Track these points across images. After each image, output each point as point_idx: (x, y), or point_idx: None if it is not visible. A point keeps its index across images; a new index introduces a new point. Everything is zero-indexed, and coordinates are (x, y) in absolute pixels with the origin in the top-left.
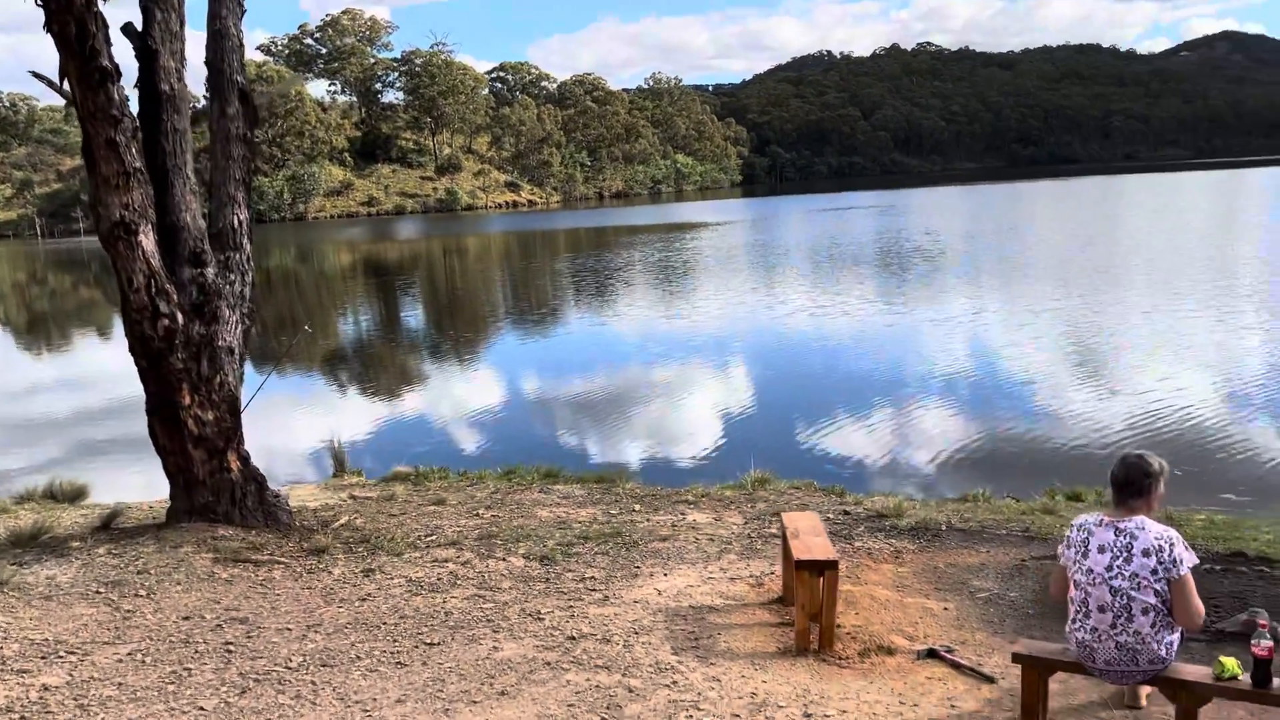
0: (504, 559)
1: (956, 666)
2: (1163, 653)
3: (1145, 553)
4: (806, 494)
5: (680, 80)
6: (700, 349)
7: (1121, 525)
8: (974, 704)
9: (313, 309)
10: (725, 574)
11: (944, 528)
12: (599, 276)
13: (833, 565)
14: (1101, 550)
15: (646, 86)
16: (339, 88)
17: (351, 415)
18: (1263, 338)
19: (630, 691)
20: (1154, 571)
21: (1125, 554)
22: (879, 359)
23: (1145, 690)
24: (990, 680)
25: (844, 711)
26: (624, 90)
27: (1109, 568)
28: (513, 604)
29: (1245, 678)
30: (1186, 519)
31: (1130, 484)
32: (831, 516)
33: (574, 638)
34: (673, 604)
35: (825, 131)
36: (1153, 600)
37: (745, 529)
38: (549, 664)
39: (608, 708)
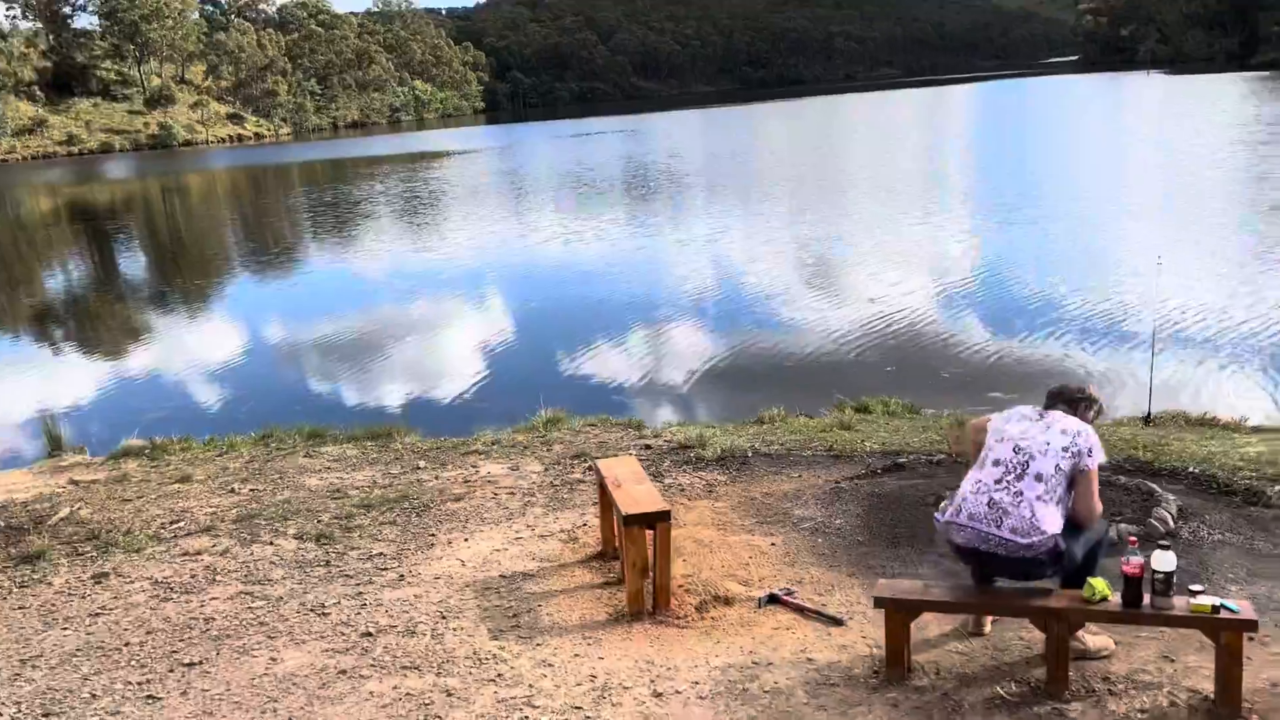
0: (271, 543)
1: (801, 611)
2: (1029, 526)
3: (1063, 431)
4: (604, 430)
5: (411, 3)
6: (457, 283)
7: (1045, 414)
8: (830, 653)
9: (10, 262)
10: (534, 531)
11: (750, 454)
12: (339, 211)
13: (665, 516)
14: (1021, 419)
15: (376, 9)
16: (18, 12)
17: (67, 382)
18: (982, 240)
19: (449, 695)
20: (1065, 448)
21: (1043, 429)
22: (640, 283)
23: (989, 619)
24: (839, 623)
25: (695, 683)
26: (351, 14)
27: (1023, 434)
28: (289, 599)
29: (1116, 598)
30: (963, 421)
31: (1063, 393)
32: (634, 453)
33: (370, 633)
34: (481, 575)
35: (565, 56)
36: (1050, 470)
37: (546, 477)
38: (344, 672)
39: None
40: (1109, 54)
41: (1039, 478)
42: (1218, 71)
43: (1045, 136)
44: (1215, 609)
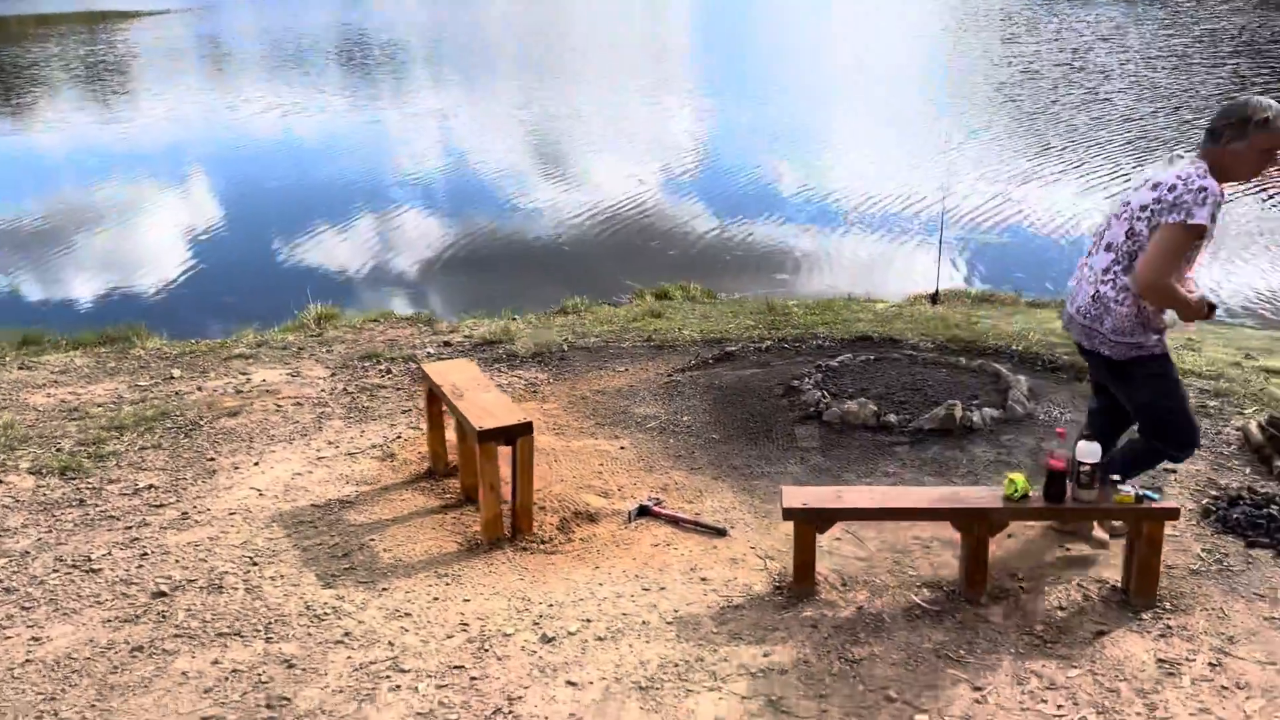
0: (1, 481)
1: (677, 523)
2: (1088, 307)
3: (1155, 185)
4: (390, 327)
5: None
6: (160, 160)
7: (1173, 164)
8: (722, 569)
9: None
10: (338, 450)
11: (566, 348)
12: (3, 77)
13: (527, 430)
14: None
15: None
16: None
17: None
18: (730, 119)
19: (290, 667)
20: (1145, 206)
21: (1138, 185)
22: (375, 162)
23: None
24: (722, 533)
25: (587, 621)
26: None
27: (1125, 202)
28: (39, 554)
29: (1037, 493)
30: (774, 305)
31: (1209, 128)
32: (433, 352)
33: (163, 593)
34: (287, 507)
35: None
36: (1120, 237)
37: (336, 383)
38: (140, 648)
39: (268, 706)
40: None
41: (1109, 247)
42: None
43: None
44: (1138, 499)
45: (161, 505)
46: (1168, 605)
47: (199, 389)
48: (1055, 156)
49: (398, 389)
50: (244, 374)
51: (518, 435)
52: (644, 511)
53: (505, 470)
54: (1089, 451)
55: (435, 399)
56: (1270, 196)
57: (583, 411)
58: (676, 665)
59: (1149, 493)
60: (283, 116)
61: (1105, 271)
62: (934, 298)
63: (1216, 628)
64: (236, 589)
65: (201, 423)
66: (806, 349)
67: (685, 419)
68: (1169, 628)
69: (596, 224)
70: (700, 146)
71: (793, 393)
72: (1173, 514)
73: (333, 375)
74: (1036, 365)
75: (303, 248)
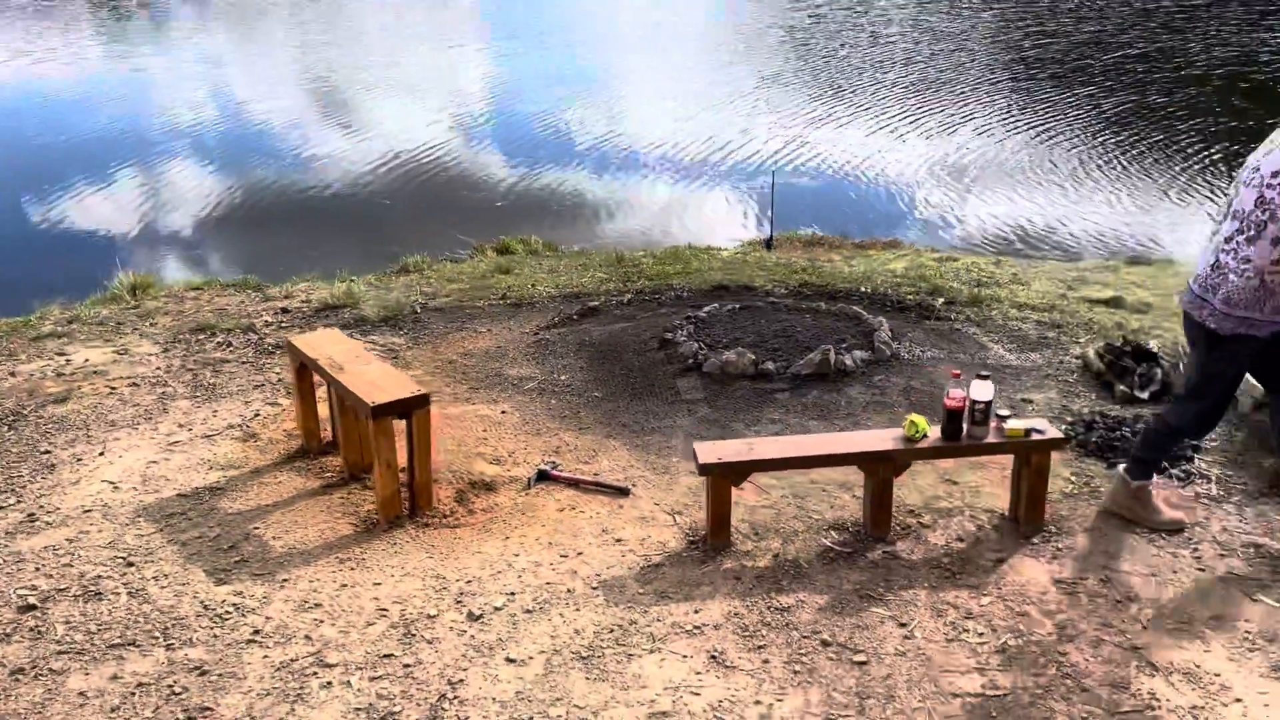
0: None
1: (577, 485)
2: (1203, 278)
3: None
4: (217, 295)
5: None
6: None
7: None
8: (635, 528)
9: None
10: (192, 432)
11: (418, 310)
12: None
13: (423, 402)
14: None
15: None
16: None
17: None
18: (521, 67)
19: (203, 674)
20: (1277, 173)
21: (1265, 147)
22: (141, 112)
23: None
24: (625, 493)
25: (511, 594)
26: None
27: (1254, 167)
28: None
29: (935, 432)
30: (623, 257)
31: None
32: (271, 320)
33: (33, 605)
34: (150, 499)
35: None
36: (1249, 204)
37: (172, 360)
38: (22, 670)
39: (189, 718)
40: None
41: (1236, 215)
42: None
43: None
44: (1027, 432)
45: (2, 508)
46: (1052, 529)
47: (11, 374)
48: (847, 100)
49: (243, 363)
50: (62, 355)
51: (414, 409)
52: (543, 476)
53: (399, 445)
54: (984, 390)
55: (306, 373)
56: (1049, 130)
57: (453, 376)
58: (611, 631)
59: (1035, 424)
60: (33, 64)
61: (1228, 241)
62: (768, 243)
63: (1099, 546)
64: (118, 594)
65: (25, 412)
66: (667, 300)
67: (563, 378)
68: (1059, 550)
69: (411, 176)
70: (505, 94)
71: (668, 345)
72: (1059, 444)
73: (165, 351)
74: (886, 306)
75: (88, 211)
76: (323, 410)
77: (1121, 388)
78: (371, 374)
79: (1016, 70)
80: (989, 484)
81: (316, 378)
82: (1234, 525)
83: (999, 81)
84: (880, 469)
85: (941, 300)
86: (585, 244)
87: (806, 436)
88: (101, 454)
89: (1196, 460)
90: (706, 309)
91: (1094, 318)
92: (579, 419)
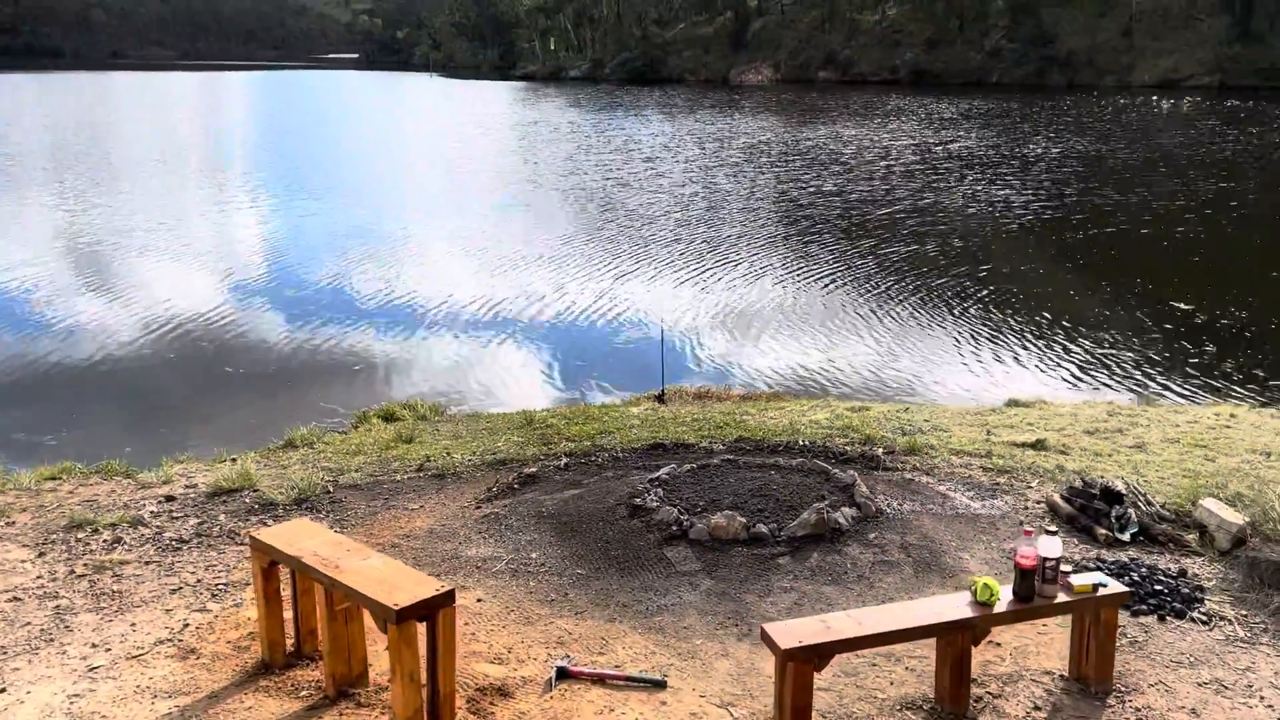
0: None
1: (604, 681)
2: None
3: None
4: (80, 484)
5: None
6: None
7: None
8: None
9: None
10: (113, 653)
11: (331, 489)
12: None
13: (449, 599)
14: None
15: None
16: None
17: None
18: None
19: None
20: None
21: None
22: None
23: None
24: (661, 685)
25: None
26: None
27: None
28: None
29: (1006, 592)
30: (532, 418)
31: None
32: (158, 510)
33: None
34: None
35: None
36: None
37: (53, 564)
38: None
39: None
40: (387, 54)
41: None
42: (485, 79)
43: (371, 127)
44: (1095, 587)
45: None
46: (1120, 687)
47: None
48: (651, 256)
49: (147, 563)
50: None
51: (439, 608)
52: (563, 674)
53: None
54: (1053, 547)
55: (274, 574)
56: (843, 279)
57: (403, 562)
58: None
59: (1102, 579)
60: None
61: None
62: (660, 397)
63: (1175, 703)
64: None
65: None
66: (605, 463)
67: (534, 555)
68: (1140, 711)
69: (213, 347)
70: (293, 255)
71: (641, 512)
72: (1125, 598)
73: (41, 555)
74: (829, 457)
75: None
76: (289, 614)
77: (1103, 531)
78: (378, 570)
79: (803, 225)
80: (1031, 643)
81: (284, 578)
82: None
83: (789, 237)
84: (959, 639)
85: (881, 450)
86: (459, 406)
87: (878, 610)
88: (2, 690)
89: (1207, 602)
90: (664, 470)
91: (1036, 461)
92: (570, 602)
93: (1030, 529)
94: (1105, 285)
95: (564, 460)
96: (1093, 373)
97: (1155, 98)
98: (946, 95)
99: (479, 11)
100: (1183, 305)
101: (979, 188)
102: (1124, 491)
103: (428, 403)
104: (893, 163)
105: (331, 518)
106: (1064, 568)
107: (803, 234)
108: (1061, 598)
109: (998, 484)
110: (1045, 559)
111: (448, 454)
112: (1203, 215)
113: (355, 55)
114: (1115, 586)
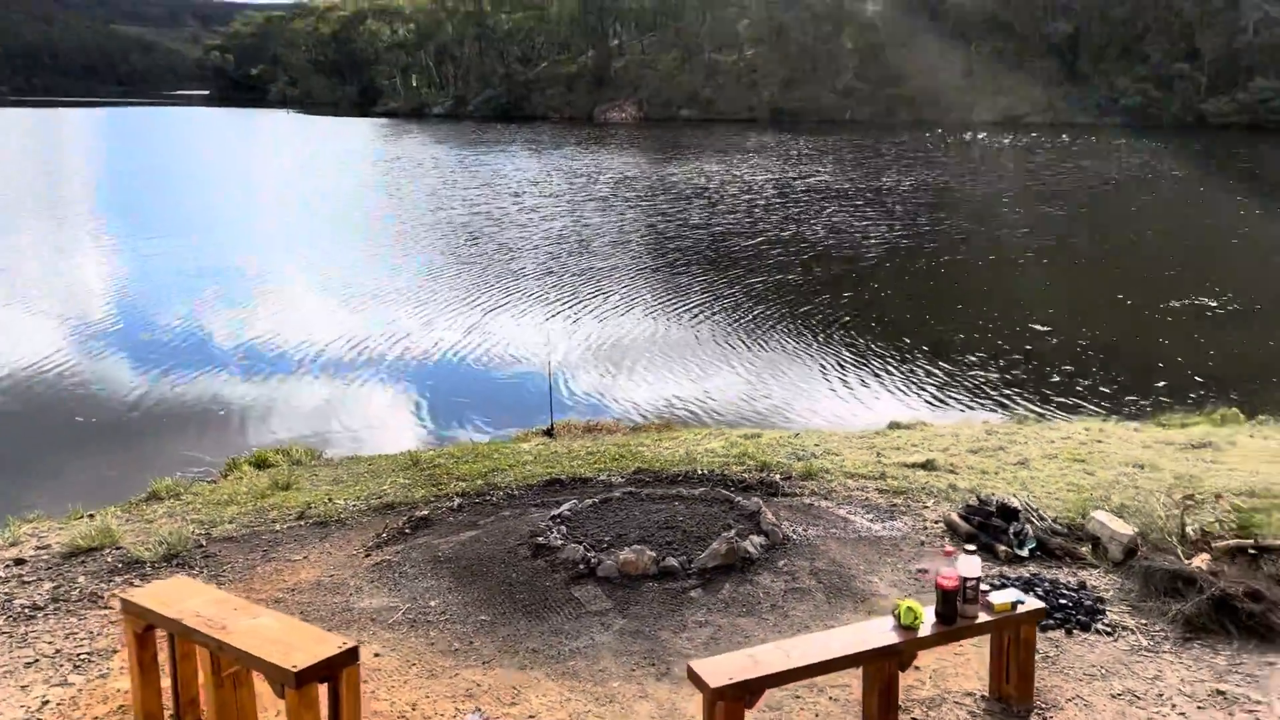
0: None
1: None
2: None
3: None
4: None
5: None
6: None
7: None
8: None
9: None
10: None
11: (204, 542)
12: None
13: (352, 658)
14: None
15: None
16: None
17: None
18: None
19: None
20: None
21: None
22: None
23: None
24: None
25: None
26: None
27: None
28: None
29: (928, 615)
30: (418, 458)
31: None
32: (3, 575)
33: None
34: None
35: None
36: None
37: None
38: None
39: None
40: (240, 91)
41: None
42: (345, 115)
43: (228, 166)
44: (1014, 605)
45: None
46: (1039, 703)
47: None
48: (522, 290)
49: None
50: None
51: (341, 667)
52: None
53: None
54: (973, 566)
55: (148, 639)
56: (716, 309)
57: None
58: None
59: (1020, 597)
60: None
61: None
62: (549, 431)
63: (1093, 716)
64: None
65: None
66: (501, 502)
67: (433, 603)
68: None
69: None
70: (139, 298)
71: (544, 551)
72: (1043, 614)
73: None
74: (730, 485)
75: None
76: (166, 684)
77: (1002, 547)
78: (270, 629)
79: (672, 257)
80: (950, 665)
81: (161, 643)
82: (1188, 675)
83: (659, 268)
84: (887, 665)
85: (779, 475)
86: (335, 449)
87: (804, 639)
88: None
89: (1109, 613)
90: (565, 506)
91: (929, 481)
92: (476, 650)
93: (951, 549)
94: (962, 309)
95: (457, 501)
96: (960, 394)
97: (989, 136)
98: (803, 133)
99: (336, 48)
100: (1038, 326)
101: (838, 219)
102: (1019, 508)
103: (302, 446)
104: (755, 196)
105: (206, 574)
106: (983, 587)
107: (671, 265)
108: (983, 617)
109: (895, 505)
110: (966, 579)
111: (330, 500)
112: (1045, 243)
113: (206, 92)
114: (1033, 603)
